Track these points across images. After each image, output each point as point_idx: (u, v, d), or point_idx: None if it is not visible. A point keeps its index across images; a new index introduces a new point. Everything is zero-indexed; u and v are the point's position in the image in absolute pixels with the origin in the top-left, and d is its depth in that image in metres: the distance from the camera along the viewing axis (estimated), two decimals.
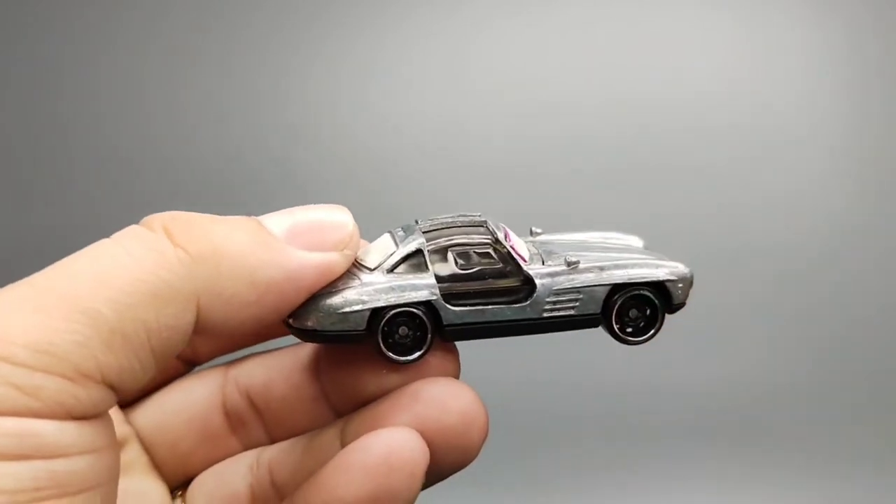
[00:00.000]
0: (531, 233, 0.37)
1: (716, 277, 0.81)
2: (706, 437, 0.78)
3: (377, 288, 0.31)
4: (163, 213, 0.28)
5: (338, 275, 0.31)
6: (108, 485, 0.26)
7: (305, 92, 0.85)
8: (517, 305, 0.32)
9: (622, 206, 0.83)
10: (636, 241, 0.37)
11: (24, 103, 0.84)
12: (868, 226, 0.83)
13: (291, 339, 0.36)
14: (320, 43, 0.85)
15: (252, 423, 0.36)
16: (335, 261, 0.30)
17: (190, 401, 0.36)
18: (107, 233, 0.28)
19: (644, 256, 0.34)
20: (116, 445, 0.27)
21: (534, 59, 0.86)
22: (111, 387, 0.26)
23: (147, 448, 0.35)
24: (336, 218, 0.31)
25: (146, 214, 0.29)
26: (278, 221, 0.30)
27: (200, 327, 0.28)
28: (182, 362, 0.38)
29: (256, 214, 0.31)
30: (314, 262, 0.29)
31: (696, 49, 0.86)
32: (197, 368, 0.39)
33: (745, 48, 0.86)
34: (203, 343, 0.37)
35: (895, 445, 0.76)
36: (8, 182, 0.84)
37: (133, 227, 0.28)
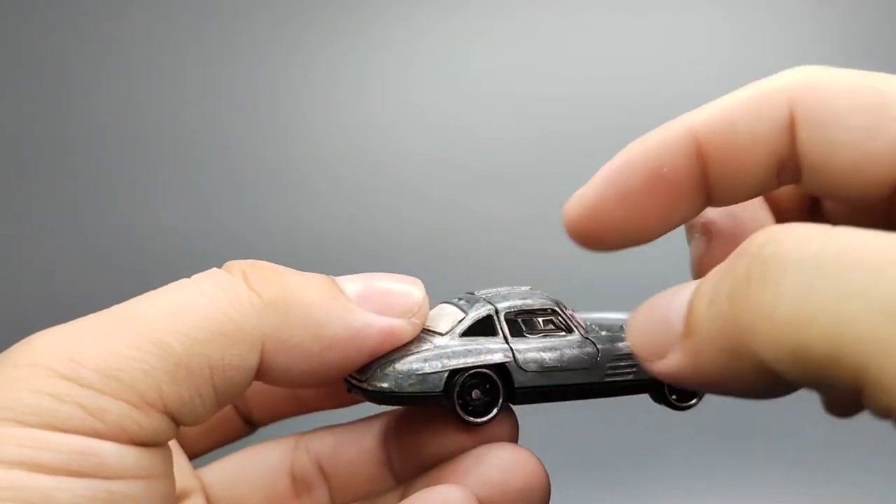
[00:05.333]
0: None
1: None
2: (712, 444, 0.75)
3: (454, 350, 0.32)
4: (244, 260, 0.30)
5: (402, 342, 0.31)
6: None
7: (299, 93, 0.88)
8: (582, 370, 0.33)
9: None
10: None
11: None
12: None
13: (359, 412, 0.37)
14: (318, 45, 0.87)
15: (317, 488, 0.37)
16: (400, 327, 0.31)
17: (259, 462, 0.37)
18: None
19: None
20: (172, 476, 0.28)
21: (533, 61, 0.87)
22: (172, 417, 0.26)
23: (213, 503, 0.36)
24: (407, 288, 0.32)
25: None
26: (352, 283, 0.31)
27: (262, 372, 0.28)
28: (244, 422, 0.39)
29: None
30: (379, 325, 0.30)
31: (695, 50, 0.86)
32: (261, 433, 0.40)
33: (743, 47, 0.85)
34: (254, 407, 0.38)
35: None
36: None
37: (214, 269, 0.29)
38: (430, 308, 0.34)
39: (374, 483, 0.35)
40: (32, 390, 0.24)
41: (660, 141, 0.32)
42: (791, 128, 0.30)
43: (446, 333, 0.33)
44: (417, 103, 0.87)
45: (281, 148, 0.87)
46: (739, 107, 0.31)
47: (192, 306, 0.27)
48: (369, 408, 0.36)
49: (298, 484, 0.36)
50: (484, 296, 0.35)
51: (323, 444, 0.37)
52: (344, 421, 0.38)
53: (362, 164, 0.86)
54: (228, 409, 0.38)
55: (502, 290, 0.35)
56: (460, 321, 0.33)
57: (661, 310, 0.27)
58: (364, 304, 0.30)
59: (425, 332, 0.33)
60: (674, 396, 0.34)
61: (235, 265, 0.29)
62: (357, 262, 0.81)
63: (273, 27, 0.88)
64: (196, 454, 0.38)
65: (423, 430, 0.34)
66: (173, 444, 0.36)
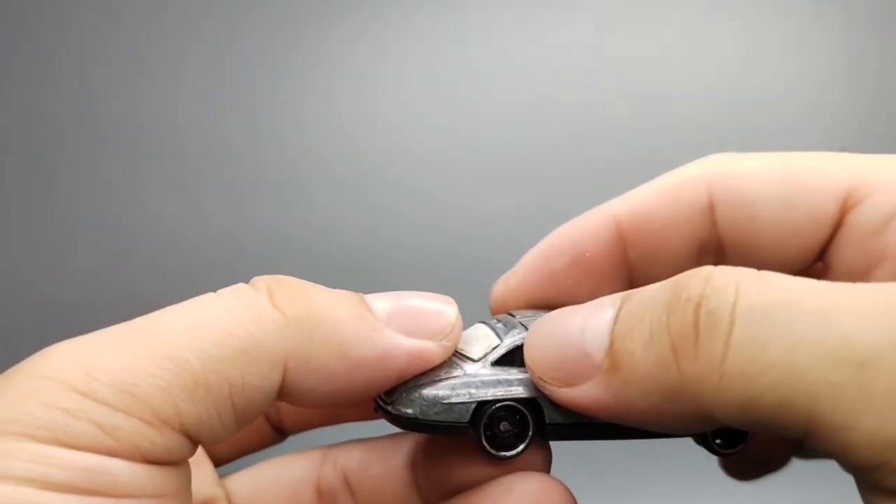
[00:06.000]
0: None
1: None
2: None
3: (484, 380, 0.30)
4: (272, 276, 0.29)
5: (432, 364, 0.30)
6: None
7: (300, 93, 0.87)
8: None
9: None
10: None
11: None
12: None
13: (387, 426, 0.36)
14: (318, 43, 0.86)
15: (343, 503, 0.36)
16: (430, 349, 0.30)
17: (285, 473, 0.36)
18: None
19: None
20: (189, 495, 0.27)
21: (535, 61, 0.86)
22: (188, 436, 0.26)
23: None
24: (439, 308, 0.30)
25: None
26: (381, 302, 0.30)
27: (285, 392, 0.27)
28: (274, 430, 0.38)
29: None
30: (408, 346, 0.29)
31: (699, 50, 0.85)
32: (291, 442, 0.39)
33: (744, 46, 0.84)
34: (284, 415, 0.38)
35: None
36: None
37: (240, 284, 0.28)
38: (465, 327, 0.33)
39: (400, 502, 0.34)
40: (44, 404, 0.23)
41: (583, 226, 0.34)
42: (710, 211, 0.32)
43: (478, 360, 0.31)
44: (420, 103, 0.86)
45: (282, 149, 0.86)
46: (658, 193, 0.33)
47: (213, 322, 0.26)
48: None
49: (324, 497, 0.36)
50: (521, 321, 0.33)
51: (350, 459, 0.36)
52: (377, 433, 0.37)
53: (365, 165, 0.85)
54: None
55: (545, 312, 0.33)
56: (494, 348, 0.31)
57: (571, 335, 0.27)
58: (393, 324, 0.29)
59: (457, 356, 0.32)
60: (717, 441, 0.32)
61: (262, 281, 0.28)
62: (359, 263, 0.81)
63: (273, 27, 0.87)
64: (224, 461, 0.38)
65: (451, 456, 0.33)
66: (199, 452, 0.36)
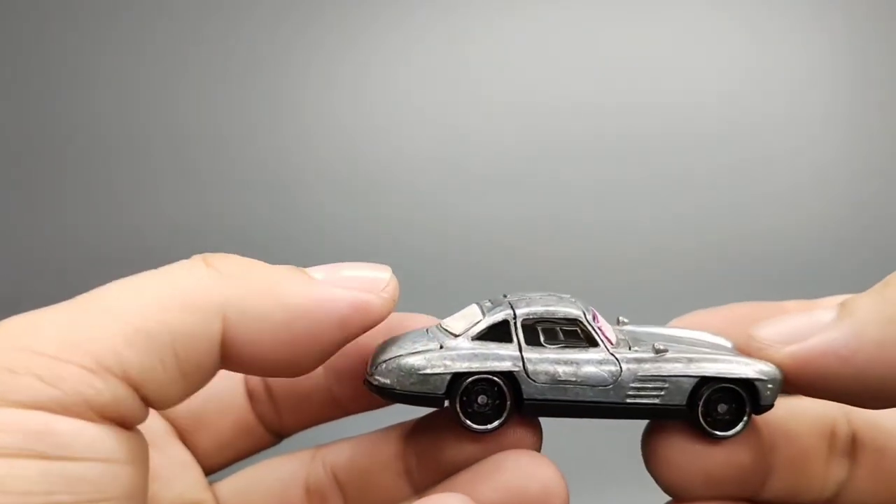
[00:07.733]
0: (618, 322, 0.36)
1: (714, 280, 0.80)
2: None
3: (460, 353, 0.31)
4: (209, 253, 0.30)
5: (374, 315, 0.30)
6: (126, 501, 0.25)
7: (300, 96, 0.87)
8: (600, 387, 0.31)
9: (623, 209, 0.83)
10: (725, 342, 0.34)
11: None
12: (868, 232, 0.83)
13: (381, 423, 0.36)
14: (317, 46, 0.87)
15: (332, 499, 0.35)
16: (369, 299, 0.30)
17: (274, 474, 0.36)
18: None
19: (733, 355, 0.32)
20: (143, 466, 0.27)
21: (534, 64, 0.86)
22: (133, 386, 0.25)
23: None
24: (373, 272, 0.31)
25: None
26: (318, 271, 0.31)
27: (229, 343, 0.28)
28: (270, 433, 0.38)
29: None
30: (345, 295, 0.29)
31: (696, 54, 0.85)
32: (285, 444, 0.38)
33: (745, 52, 0.84)
34: (286, 413, 0.37)
35: None
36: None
37: (181, 260, 0.29)
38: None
39: (390, 493, 0.34)
40: None
41: None
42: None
43: (460, 335, 0.32)
44: (419, 104, 0.87)
45: (281, 149, 0.87)
46: None
47: (153, 282, 0.27)
48: (396, 415, 0.35)
49: (313, 495, 0.35)
50: (509, 300, 0.33)
51: (339, 456, 0.35)
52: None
53: (363, 166, 0.86)
54: (251, 419, 0.37)
55: (535, 295, 0.34)
56: (476, 323, 0.32)
57: (798, 316, 0.30)
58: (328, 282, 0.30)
59: (440, 331, 0.32)
60: (709, 420, 0.31)
61: (197, 255, 0.29)
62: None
63: (273, 27, 0.88)
64: (219, 467, 0.37)
65: (443, 436, 0.33)
66: (187, 457, 0.35)
